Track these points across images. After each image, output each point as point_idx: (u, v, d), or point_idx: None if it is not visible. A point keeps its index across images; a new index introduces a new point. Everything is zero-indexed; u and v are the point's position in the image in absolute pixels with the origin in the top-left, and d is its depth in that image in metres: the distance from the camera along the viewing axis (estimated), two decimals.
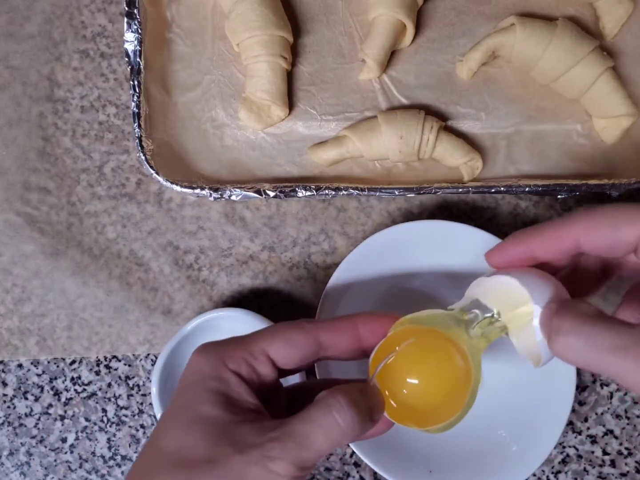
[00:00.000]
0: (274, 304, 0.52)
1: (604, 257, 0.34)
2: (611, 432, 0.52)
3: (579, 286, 0.34)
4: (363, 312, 0.34)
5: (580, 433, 0.52)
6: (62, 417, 0.52)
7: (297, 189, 0.48)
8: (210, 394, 0.30)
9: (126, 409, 0.52)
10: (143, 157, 0.48)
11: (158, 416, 0.47)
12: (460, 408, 0.31)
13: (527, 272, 0.32)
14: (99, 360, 0.52)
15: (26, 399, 0.52)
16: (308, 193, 0.48)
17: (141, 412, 0.52)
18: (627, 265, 0.34)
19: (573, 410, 0.52)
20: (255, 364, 0.32)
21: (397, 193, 0.49)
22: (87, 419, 0.52)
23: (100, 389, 0.52)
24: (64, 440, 0.52)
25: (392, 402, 0.31)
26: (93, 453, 0.52)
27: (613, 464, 0.52)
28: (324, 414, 0.29)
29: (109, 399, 0.52)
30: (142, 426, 0.52)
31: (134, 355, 0.52)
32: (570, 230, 0.31)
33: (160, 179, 0.48)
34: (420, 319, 0.32)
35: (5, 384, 0.52)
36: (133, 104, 0.48)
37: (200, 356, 0.32)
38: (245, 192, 0.48)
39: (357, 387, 0.30)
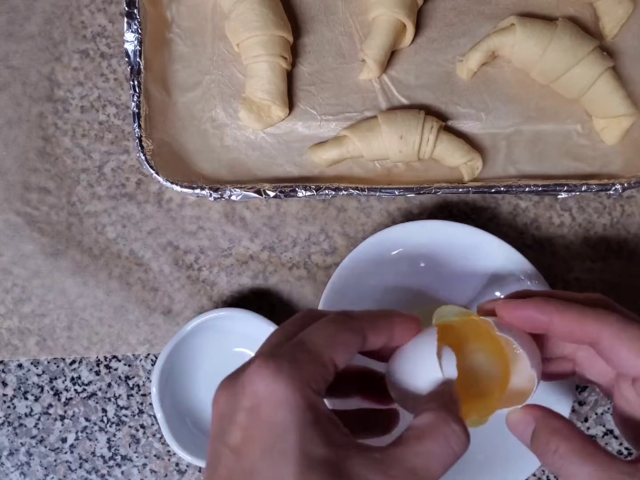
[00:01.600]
0: (274, 304, 0.52)
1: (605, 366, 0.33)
2: (611, 432, 0.52)
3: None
4: (397, 312, 0.33)
5: None
6: (62, 417, 0.52)
7: (297, 189, 0.48)
8: (310, 429, 0.26)
9: (126, 409, 0.52)
10: (143, 157, 0.48)
11: (158, 416, 0.47)
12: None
13: (525, 336, 0.33)
14: (99, 360, 0.52)
15: (26, 399, 0.52)
16: (308, 193, 0.48)
17: (141, 412, 0.52)
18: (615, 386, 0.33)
19: (573, 410, 0.52)
20: (329, 378, 0.29)
21: (397, 193, 0.49)
22: (87, 419, 0.52)
23: (100, 389, 0.52)
24: (64, 440, 0.52)
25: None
26: (93, 453, 0.52)
27: None
28: (441, 446, 0.27)
29: (109, 399, 0.52)
30: (142, 426, 0.52)
31: (134, 355, 0.52)
32: (599, 327, 0.31)
33: (160, 179, 0.48)
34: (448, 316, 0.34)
35: (5, 384, 0.52)
36: (133, 104, 0.48)
37: (279, 383, 0.26)
38: (245, 192, 0.48)
39: (453, 400, 0.29)
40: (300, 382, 0.27)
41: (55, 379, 0.52)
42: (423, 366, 0.31)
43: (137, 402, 0.52)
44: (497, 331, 0.32)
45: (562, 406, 0.47)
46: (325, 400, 0.32)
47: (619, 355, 0.30)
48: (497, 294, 0.49)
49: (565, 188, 0.49)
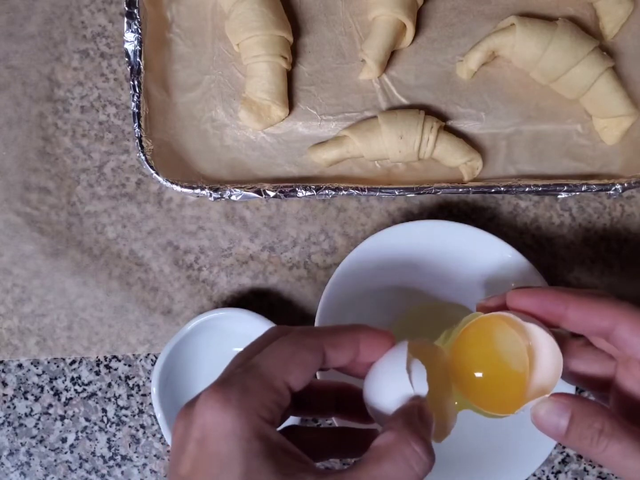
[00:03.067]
0: (274, 304, 0.52)
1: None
2: None
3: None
4: (365, 327, 0.32)
5: None
6: (62, 417, 0.52)
7: (297, 189, 0.48)
8: (257, 459, 0.25)
9: (126, 409, 0.52)
10: (143, 157, 0.48)
11: (158, 416, 0.47)
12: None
13: (544, 325, 0.32)
14: (99, 360, 0.52)
15: (26, 399, 0.52)
16: (308, 193, 0.48)
17: (141, 412, 0.52)
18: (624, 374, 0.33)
19: None
20: (283, 403, 0.28)
21: (397, 193, 0.49)
22: (87, 419, 0.52)
23: (100, 389, 0.52)
24: (64, 440, 0.52)
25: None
26: (93, 453, 0.52)
27: None
28: (400, 468, 0.26)
29: (109, 399, 0.52)
30: (142, 426, 0.52)
31: (134, 355, 0.52)
32: (617, 313, 0.31)
33: (160, 179, 0.48)
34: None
35: (5, 384, 0.52)
36: (133, 104, 0.48)
37: (226, 413, 0.26)
38: (245, 192, 0.48)
39: (417, 418, 0.28)
40: (248, 412, 0.26)
41: (55, 379, 0.52)
42: (393, 381, 0.30)
43: (137, 402, 0.52)
44: (521, 321, 0.31)
45: None
46: (295, 418, 0.32)
47: (636, 342, 0.30)
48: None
49: (565, 188, 0.49)
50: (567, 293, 0.32)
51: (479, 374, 0.32)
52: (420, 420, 0.28)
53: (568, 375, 0.34)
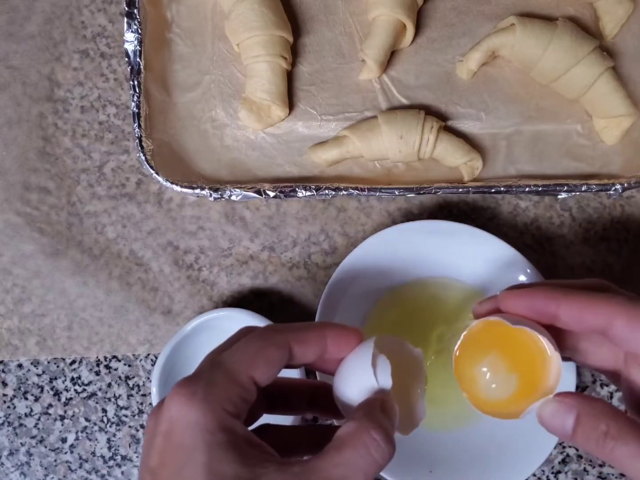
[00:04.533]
0: (274, 304, 0.52)
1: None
2: None
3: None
4: (332, 325, 0.32)
5: None
6: (62, 417, 0.52)
7: (297, 189, 0.48)
8: (220, 450, 0.26)
9: (126, 409, 0.52)
10: (143, 157, 0.48)
11: None
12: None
13: (537, 325, 0.32)
14: (99, 360, 0.52)
15: (26, 399, 0.52)
16: (308, 193, 0.48)
17: (141, 412, 0.52)
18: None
19: None
20: (248, 397, 0.29)
21: (397, 193, 0.49)
22: (87, 419, 0.52)
23: (100, 389, 0.52)
24: (64, 440, 0.52)
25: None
26: (93, 453, 0.52)
27: None
28: (361, 455, 0.27)
29: (109, 399, 0.52)
30: (142, 426, 0.52)
31: (134, 355, 0.52)
32: (612, 311, 0.30)
33: (160, 179, 0.48)
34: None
35: (5, 384, 0.52)
36: (133, 104, 0.48)
37: (192, 406, 0.27)
38: (245, 192, 0.48)
39: (379, 410, 0.29)
40: (213, 405, 0.27)
41: (55, 379, 0.52)
42: (359, 376, 0.30)
43: (137, 402, 0.52)
44: (510, 325, 0.31)
45: None
46: (269, 416, 0.33)
47: (635, 337, 0.29)
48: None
49: (565, 188, 0.49)
50: (558, 291, 0.31)
51: (482, 379, 0.32)
52: (382, 411, 0.29)
53: (581, 362, 0.34)
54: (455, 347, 0.33)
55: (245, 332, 0.32)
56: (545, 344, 0.31)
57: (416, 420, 0.32)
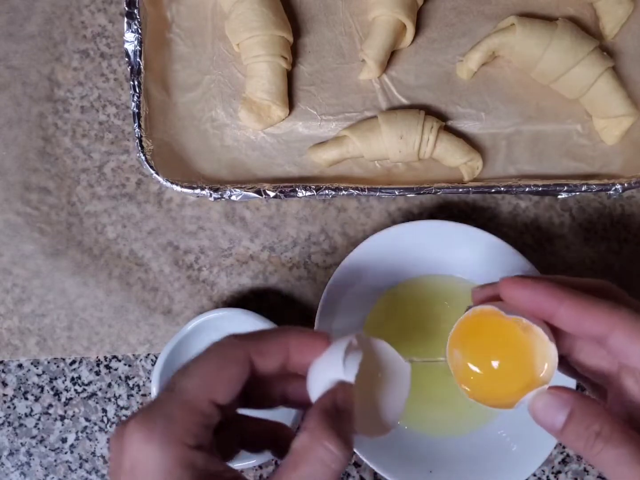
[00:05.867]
0: (274, 304, 0.52)
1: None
2: None
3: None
4: (295, 331, 0.31)
5: None
6: (62, 417, 0.52)
7: (297, 189, 0.48)
8: None
9: (126, 409, 0.52)
10: (143, 157, 0.48)
11: None
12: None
13: (533, 317, 0.31)
14: (99, 360, 0.52)
15: (26, 399, 0.52)
16: (308, 193, 0.48)
17: None
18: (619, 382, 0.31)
19: None
20: (210, 422, 0.28)
21: (397, 193, 0.49)
22: (87, 419, 0.52)
23: (100, 389, 0.52)
24: (64, 440, 0.52)
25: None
26: (93, 453, 0.52)
27: None
28: (316, 469, 0.27)
29: (109, 399, 0.52)
30: None
31: (134, 355, 0.52)
32: (613, 322, 0.29)
33: (160, 179, 0.48)
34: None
35: (5, 384, 0.52)
36: (133, 104, 0.48)
37: (151, 445, 0.27)
38: (245, 192, 0.48)
39: (332, 411, 0.28)
40: (173, 442, 0.27)
41: (55, 379, 0.52)
42: (329, 367, 0.30)
43: (137, 402, 0.52)
44: (504, 315, 0.31)
45: None
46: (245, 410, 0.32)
47: (633, 351, 0.29)
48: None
49: (565, 188, 0.49)
50: (563, 290, 0.31)
51: (475, 369, 0.32)
52: (336, 410, 0.28)
53: (566, 366, 0.34)
54: (449, 336, 0.33)
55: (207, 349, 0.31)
56: (540, 335, 0.30)
57: (385, 427, 0.32)
